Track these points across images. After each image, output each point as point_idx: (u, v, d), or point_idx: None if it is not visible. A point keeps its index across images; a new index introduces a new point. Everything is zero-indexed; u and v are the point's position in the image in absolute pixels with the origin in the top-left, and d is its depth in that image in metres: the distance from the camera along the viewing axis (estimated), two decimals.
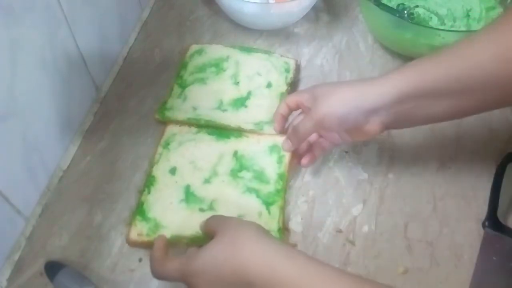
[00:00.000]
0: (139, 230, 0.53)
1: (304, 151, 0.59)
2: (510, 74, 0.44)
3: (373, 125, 0.51)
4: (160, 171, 0.59)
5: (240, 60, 0.72)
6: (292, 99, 0.58)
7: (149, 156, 0.62)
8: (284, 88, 0.69)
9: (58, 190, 0.59)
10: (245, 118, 0.65)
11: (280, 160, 0.60)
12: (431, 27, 0.74)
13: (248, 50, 0.74)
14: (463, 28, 0.77)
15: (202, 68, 0.71)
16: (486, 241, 0.54)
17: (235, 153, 0.60)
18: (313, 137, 0.58)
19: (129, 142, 0.64)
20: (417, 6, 0.78)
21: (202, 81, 0.70)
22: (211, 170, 0.59)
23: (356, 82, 0.53)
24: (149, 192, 0.57)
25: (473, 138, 0.65)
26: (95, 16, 0.66)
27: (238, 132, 0.63)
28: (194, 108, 0.66)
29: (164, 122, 0.65)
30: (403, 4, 0.79)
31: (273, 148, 0.60)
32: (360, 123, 0.51)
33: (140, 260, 0.54)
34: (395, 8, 0.78)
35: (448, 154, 0.64)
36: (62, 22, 0.57)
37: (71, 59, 0.61)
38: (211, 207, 0.55)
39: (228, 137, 0.62)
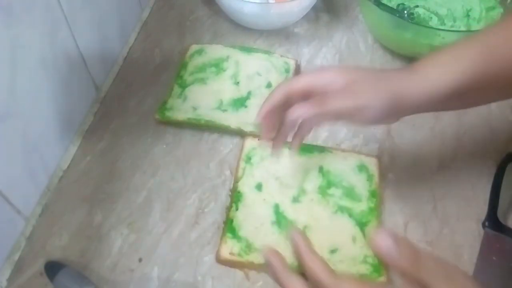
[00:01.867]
0: (230, 248, 0.53)
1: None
2: None
3: (394, 119, 0.48)
4: (246, 186, 0.58)
5: (240, 60, 0.72)
6: (309, 80, 0.48)
7: (149, 156, 0.62)
8: None
9: (58, 190, 0.59)
10: (245, 119, 0.65)
11: (370, 178, 0.59)
12: (431, 27, 0.74)
13: (248, 50, 0.74)
14: (463, 28, 0.77)
15: (202, 68, 0.71)
16: (486, 241, 0.54)
17: (321, 169, 0.59)
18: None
19: (129, 142, 0.64)
20: (417, 6, 0.78)
21: (202, 81, 0.70)
22: (298, 187, 0.58)
23: (395, 76, 0.47)
24: (237, 209, 0.56)
25: (473, 138, 0.65)
26: (95, 16, 0.66)
27: (321, 147, 0.62)
28: (194, 108, 0.66)
29: (164, 122, 0.65)
30: (403, 4, 0.79)
31: (361, 168, 0.60)
32: (392, 120, 0.48)
33: (140, 260, 0.54)
34: (395, 8, 0.78)
35: (448, 154, 0.64)
36: (62, 22, 0.57)
37: (71, 59, 0.61)
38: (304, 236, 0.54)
39: (311, 151, 0.61)
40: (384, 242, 0.40)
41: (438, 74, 0.45)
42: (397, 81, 0.46)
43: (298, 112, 0.46)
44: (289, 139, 0.52)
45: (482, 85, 0.45)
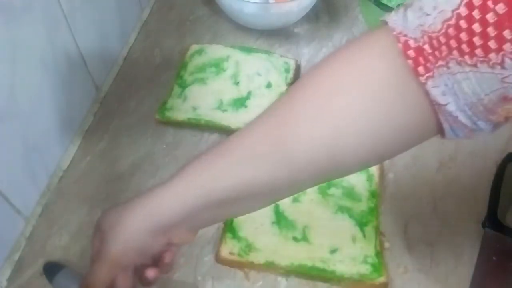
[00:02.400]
0: (230, 248, 0.53)
1: None
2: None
3: (183, 234, 0.41)
4: None
5: (240, 60, 0.72)
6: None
7: (149, 156, 0.62)
8: (284, 88, 0.69)
9: (58, 190, 0.59)
10: (245, 119, 0.65)
11: (370, 178, 0.59)
12: None
13: (248, 50, 0.74)
14: None
15: (202, 68, 0.71)
16: (486, 241, 0.54)
17: None
18: None
19: (129, 142, 0.64)
20: None
21: (202, 81, 0.70)
22: None
23: (143, 199, 0.40)
24: None
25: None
26: (95, 16, 0.66)
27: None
28: (194, 108, 0.66)
29: (164, 122, 0.65)
30: (403, 4, 0.79)
31: None
32: (166, 240, 0.40)
33: None
34: (395, 8, 0.78)
35: (448, 154, 0.64)
36: (62, 22, 0.57)
37: (71, 59, 0.61)
38: (304, 236, 0.54)
39: None
40: None
41: (184, 187, 0.39)
42: (147, 203, 0.39)
43: None
44: None
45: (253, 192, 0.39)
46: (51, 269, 0.51)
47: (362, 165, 0.42)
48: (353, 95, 0.35)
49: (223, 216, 0.44)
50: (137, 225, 0.39)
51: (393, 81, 0.34)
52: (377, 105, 0.35)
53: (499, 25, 0.27)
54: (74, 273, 0.51)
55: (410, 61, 0.32)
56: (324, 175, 0.39)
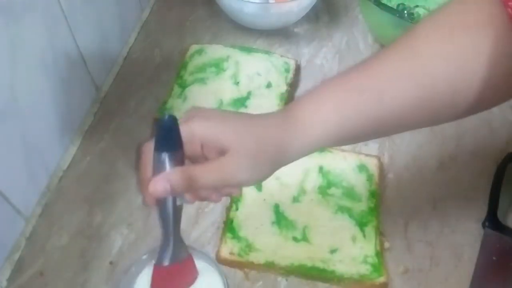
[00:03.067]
0: (230, 248, 0.53)
1: None
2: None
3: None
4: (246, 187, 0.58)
5: (240, 60, 0.72)
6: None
7: None
8: (284, 88, 0.69)
9: (58, 190, 0.59)
10: None
11: (370, 178, 0.59)
12: None
13: (248, 50, 0.74)
14: None
15: (202, 68, 0.71)
16: (486, 241, 0.54)
17: (321, 169, 0.59)
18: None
19: (129, 142, 0.64)
20: (417, 6, 0.78)
21: (202, 81, 0.70)
22: (298, 187, 0.58)
23: (273, 136, 0.40)
24: (237, 209, 0.56)
25: (473, 138, 0.65)
26: (95, 16, 0.66)
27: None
28: None
29: None
30: (403, 4, 0.79)
31: (361, 168, 0.60)
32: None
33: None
34: (395, 8, 0.78)
35: (448, 154, 0.64)
36: (62, 22, 0.57)
37: (71, 59, 0.61)
38: (304, 236, 0.54)
39: None
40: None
41: (317, 126, 0.40)
42: (276, 142, 0.39)
43: (159, 189, 0.37)
44: None
45: (378, 128, 0.42)
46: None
47: (469, 108, 0.42)
48: (472, 36, 0.38)
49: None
50: (267, 155, 0.39)
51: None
52: (488, 50, 0.38)
53: None
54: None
55: None
56: (438, 116, 0.42)
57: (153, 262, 0.44)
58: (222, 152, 0.38)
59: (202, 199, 0.42)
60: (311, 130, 0.40)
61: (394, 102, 0.40)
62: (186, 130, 0.38)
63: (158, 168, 0.38)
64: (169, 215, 0.41)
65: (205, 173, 0.38)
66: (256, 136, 0.39)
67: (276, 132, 0.40)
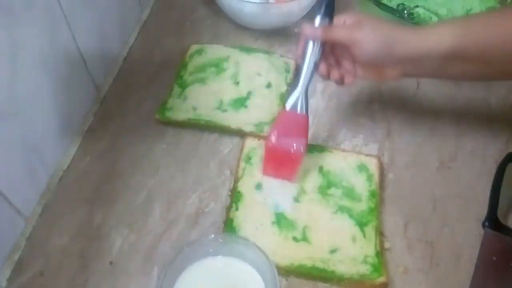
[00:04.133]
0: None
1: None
2: None
3: (395, 71, 0.54)
4: (246, 186, 0.58)
5: (240, 60, 0.72)
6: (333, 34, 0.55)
7: (149, 156, 0.62)
8: (284, 88, 0.69)
9: (58, 190, 0.59)
10: (245, 119, 0.65)
11: (370, 178, 0.59)
12: None
13: (248, 50, 0.74)
14: None
15: (202, 68, 0.71)
16: (486, 241, 0.54)
17: (321, 169, 0.60)
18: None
19: (129, 142, 0.64)
20: (417, 6, 0.78)
21: (202, 81, 0.70)
22: (298, 187, 0.58)
23: (397, 26, 0.53)
24: (237, 209, 0.56)
25: (473, 138, 0.65)
26: (95, 16, 0.66)
27: (321, 147, 0.62)
28: (194, 108, 0.66)
29: (164, 122, 0.65)
30: (403, 4, 0.79)
31: (361, 168, 0.60)
32: (387, 66, 0.54)
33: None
34: (395, 8, 0.78)
35: (448, 154, 0.64)
36: (62, 22, 0.57)
37: (71, 59, 0.61)
38: (304, 236, 0.54)
39: (311, 151, 0.61)
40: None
41: (436, 33, 0.51)
42: (396, 30, 0.52)
43: (308, 31, 0.55)
44: None
45: (480, 56, 0.50)
46: None
47: None
48: None
49: (448, 71, 0.54)
50: (392, 39, 0.51)
51: None
52: None
53: None
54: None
55: None
56: None
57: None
58: (355, 23, 0.53)
59: (329, 69, 0.57)
60: (429, 30, 0.53)
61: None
62: (341, 13, 0.56)
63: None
64: (306, 64, 0.55)
65: (339, 28, 0.54)
66: (384, 21, 0.54)
67: (400, 25, 0.54)
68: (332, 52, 0.57)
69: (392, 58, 0.52)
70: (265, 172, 0.58)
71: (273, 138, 0.56)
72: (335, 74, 0.56)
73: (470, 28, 0.51)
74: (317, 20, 0.55)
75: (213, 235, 0.50)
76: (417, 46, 0.51)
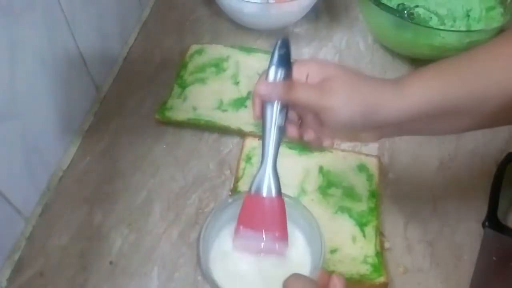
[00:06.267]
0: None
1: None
2: None
3: (372, 135, 0.45)
4: (246, 186, 0.57)
5: (240, 60, 0.72)
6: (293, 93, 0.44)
7: (149, 156, 0.62)
8: None
9: (58, 190, 0.59)
10: (245, 119, 0.65)
11: (370, 178, 0.59)
12: (431, 27, 0.74)
13: (248, 50, 0.74)
14: (463, 28, 0.77)
15: (202, 68, 0.71)
16: (486, 241, 0.54)
17: (321, 169, 0.59)
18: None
19: (129, 142, 0.64)
20: (417, 6, 0.79)
21: (202, 81, 0.70)
22: (298, 187, 0.58)
23: (374, 85, 0.44)
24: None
25: (473, 138, 0.65)
26: (95, 16, 0.66)
27: (320, 147, 0.62)
28: (194, 108, 0.66)
29: (164, 122, 0.65)
30: (403, 4, 0.79)
31: (361, 168, 0.60)
32: (363, 131, 0.45)
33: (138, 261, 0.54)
34: (395, 8, 0.78)
35: (448, 154, 0.64)
36: (62, 22, 0.57)
37: (71, 59, 0.61)
38: None
39: (310, 151, 0.61)
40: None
41: (418, 90, 0.42)
42: (375, 92, 0.43)
43: (264, 91, 0.44)
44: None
45: (468, 107, 0.43)
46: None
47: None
48: None
49: (428, 127, 0.46)
50: (364, 104, 0.42)
51: None
52: None
53: None
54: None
55: None
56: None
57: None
58: (323, 81, 0.43)
59: (301, 129, 0.46)
60: (410, 88, 0.43)
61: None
62: (299, 61, 0.46)
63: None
64: (269, 133, 0.44)
65: (305, 88, 0.44)
66: (357, 76, 0.44)
67: (376, 81, 0.45)
68: (294, 108, 0.45)
69: (371, 125, 0.43)
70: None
71: (239, 239, 0.44)
72: (310, 134, 0.46)
73: (453, 81, 0.43)
74: (271, 72, 0.44)
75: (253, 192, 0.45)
76: (400, 109, 0.42)
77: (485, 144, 0.65)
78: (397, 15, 0.74)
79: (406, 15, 0.76)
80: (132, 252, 0.54)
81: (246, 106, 0.67)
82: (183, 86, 0.69)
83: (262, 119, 0.44)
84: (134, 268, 0.53)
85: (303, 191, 0.57)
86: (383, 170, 0.61)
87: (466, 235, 0.56)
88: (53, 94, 0.57)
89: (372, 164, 0.60)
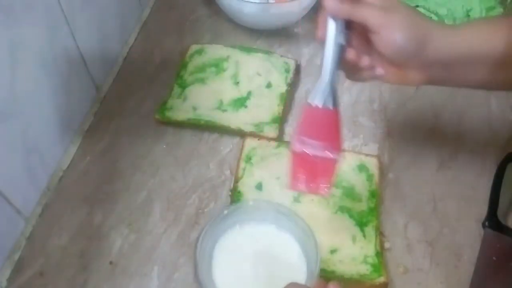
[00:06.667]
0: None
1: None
2: None
3: (420, 75, 0.46)
4: (246, 186, 0.58)
5: (240, 60, 0.72)
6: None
7: (149, 156, 0.62)
8: (284, 88, 0.69)
9: (58, 190, 0.59)
10: (245, 119, 0.65)
11: (370, 178, 0.59)
12: None
13: (248, 50, 0.74)
14: None
15: (202, 68, 0.71)
16: (486, 241, 0.54)
17: None
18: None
19: (129, 142, 0.64)
20: (417, 6, 0.78)
21: (202, 81, 0.70)
22: None
23: (431, 20, 0.47)
24: None
25: (473, 138, 0.65)
26: (95, 16, 0.66)
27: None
28: (194, 108, 0.66)
29: (164, 122, 0.65)
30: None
31: (361, 167, 0.60)
32: (413, 67, 0.45)
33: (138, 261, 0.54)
34: None
35: (448, 154, 0.64)
36: (62, 22, 0.57)
37: (71, 59, 0.61)
38: None
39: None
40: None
41: (470, 33, 0.45)
42: (432, 23, 0.45)
43: (330, 5, 0.44)
44: None
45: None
46: None
47: None
48: None
49: (472, 77, 0.48)
50: (421, 35, 0.43)
51: None
52: None
53: None
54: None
55: None
56: None
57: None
58: (386, 1, 0.44)
59: (357, 47, 0.46)
60: (463, 29, 0.46)
61: None
62: None
63: None
64: (330, 50, 0.44)
65: (369, 5, 0.44)
66: (412, 9, 0.45)
67: (429, 21, 0.46)
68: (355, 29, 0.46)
69: (422, 58, 0.44)
70: (294, 186, 0.47)
71: (298, 144, 0.45)
72: (365, 60, 0.46)
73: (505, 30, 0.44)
74: None
75: (251, 202, 0.49)
76: (452, 45, 0.44)
77: (485, 144, 0.65)
78: None
79: None
80: (132, 252, 0.54)
81: (246, 106, 0.67)
82: (183, 86, 0.69)
83: (326, 36, 0.44)
84: (134, 268, 0.53)
85: None
86: (383, 170, 0.61)
87: (466, 235, 0.56)
88: (53, 94, 0.57)
89: (372, 164, 0.60)
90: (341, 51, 0.45)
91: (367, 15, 0.43)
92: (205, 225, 0.47)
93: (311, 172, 0.46)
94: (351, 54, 0.46)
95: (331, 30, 0.44)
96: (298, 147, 0.45)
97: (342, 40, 0.44)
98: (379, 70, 0.47)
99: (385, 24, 0.43)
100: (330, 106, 0.45)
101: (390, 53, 0.44)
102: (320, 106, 0.45)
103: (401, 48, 0.43)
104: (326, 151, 0.45)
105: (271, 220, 0.52)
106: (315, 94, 0.45)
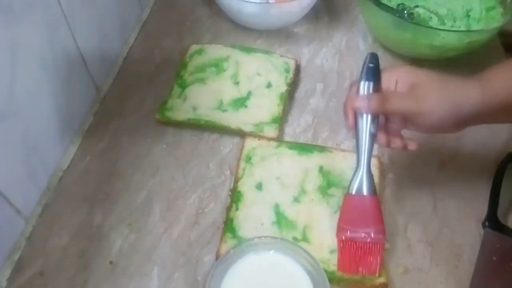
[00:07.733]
0: (231, 248, 0.52)
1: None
2: None
3: (458, 128, 0.49)
4: (246, 186, 0.58)
5: (240, 60, 0.72)
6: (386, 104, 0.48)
7: (149, 156, 0.62)
8: (284, 88, 0.69)
9: (58, 190, 0.59)
10: (245, 119, 0.65)
11: None
12: (431, 27, 0.74)
13: (248, 50, 0.74)
14: (463, 28, 0.77)
15: (202, 68, 0.71)
16: (486, 241, 0.54)
17: (321, 169, 0.59)
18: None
19: (129, 142, 0.64)
20: (417, 6, 0.78)
21: (202, 81, 0.70)
22: (298, 187, 0.58)
23: (459, 85, 0.48)
24: (237, 209, 0.56)
25: (473, 138, 0.65)
26: (95, 16, 0.66)
27: (321, 147, 0.62)
28: (194, 108, 0.66)
29: (164, 122, 0.65)
30: (403, 4, 0.79)
31: None
32: (449, 129, 0.49)
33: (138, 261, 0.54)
34: (395, 8, 0.78)
35: (448, 154, 0.64)
36: (62, 22, 0.57)
37: (71, 59, 0.61)
38: (304, 236, 0.54)
39: (311, 151, 0.61)
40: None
41: (497, 84, 0.46)
42: (460, 91, 0.47)
43: (359, 104, 0.49)
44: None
45: None
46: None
47: None
48: None
49: (496, 121, 0.51)
50: (452, 103, 0.46)
51: None
52: None
53: None
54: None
55: None
56: None
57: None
58: (413, 87, 0.48)
59: (391, 135, 0.51)
60: (490, 83, 0.46)
61: None
62: (388, 69, 0.50)
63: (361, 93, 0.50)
64: (363, 140, 0.49)
65: (398, 97, 0.48)
66: (443, 80, 0.48)
67: (459, 80, 0.48)
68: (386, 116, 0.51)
69: (458, 122, 0.48)
70: (342, 268, 0.50)
71: (346, 231, 0.49)
72: (397, 142, 0.51)
73: None
74: (362, 85, 0.50)
75: (263, 237, 0.50)
76: (482, 103, 0.46)
77: (485, 144, 0.65)
78: (397, 15, 0.74)
79: (406, 15, 0.76)
80: (132, 252, 0.54)
81: (246, 106, 0.67)
82: (183, 86, 0.69)
83: (356, 127, 0.50)
84: (134, 268, 0.53)
85: (303, 191, 0.57)
86: (383, 170, 0.61)
87: (466, 235, 0.56)
88: (53, 94, 0.57)
89: (372, 164, 0.60)
90: (373, 139, 0.50)
91: (399, 108, 0.48)
92: (211, 267, 0.49)
93: (359, 256, 0.49)
94: (382, 140, 0.51)
95: (363, 123, 0.49)
96: (344, 235, 0.49)
97: (373, 130, 0.49)
98: (412, 145, 0.51)
99: (419, 111, 0.47)
100: (370, 193, 0.50)
101: (430, 132, 0.50)
102: (360, 194, 0.50)
103: (439, 126, 0.47)
104: (371, 235, 0.49)
105: (282, 250, 0.50)
106: (353, 184, 0.50)
